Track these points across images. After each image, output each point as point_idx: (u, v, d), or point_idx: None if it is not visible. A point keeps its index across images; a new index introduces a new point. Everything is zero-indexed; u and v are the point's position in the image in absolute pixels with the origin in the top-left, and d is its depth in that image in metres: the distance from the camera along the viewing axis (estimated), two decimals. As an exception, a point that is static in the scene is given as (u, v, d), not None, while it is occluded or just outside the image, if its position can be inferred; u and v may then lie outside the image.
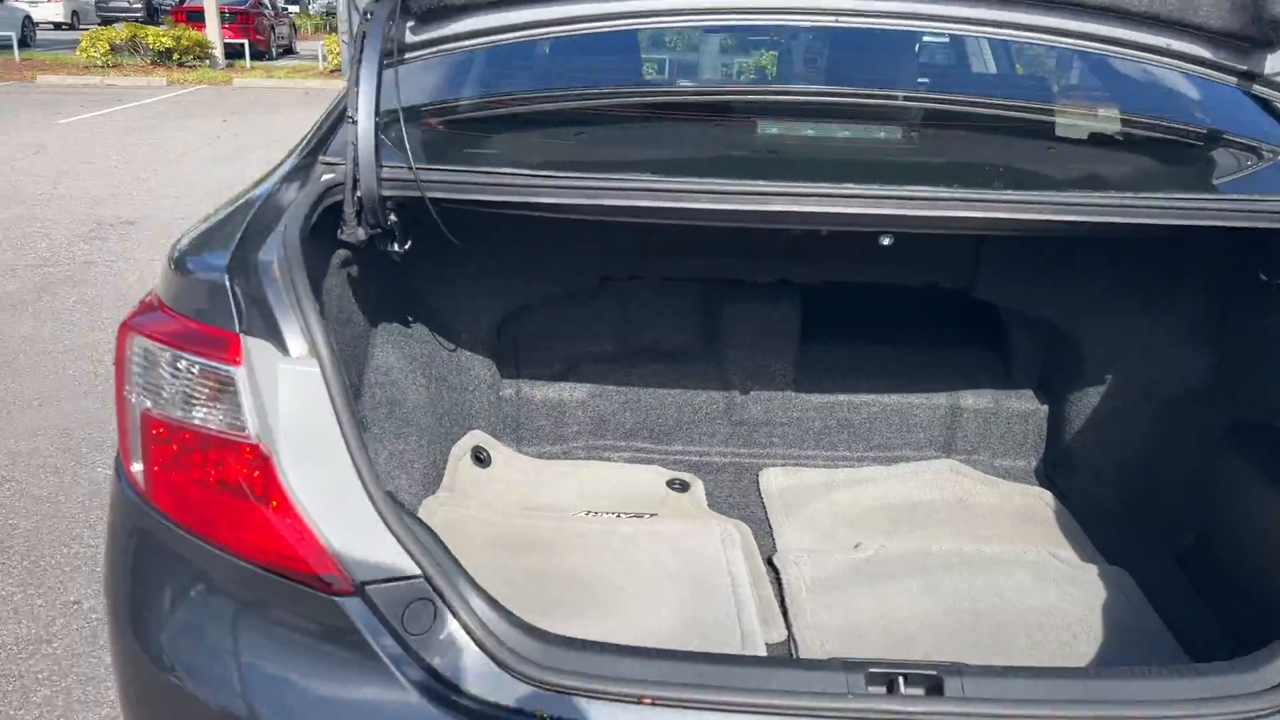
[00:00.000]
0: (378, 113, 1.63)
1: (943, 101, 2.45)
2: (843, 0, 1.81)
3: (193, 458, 1.37)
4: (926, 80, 2.88)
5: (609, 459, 2.65)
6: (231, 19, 21.74)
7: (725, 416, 2.65)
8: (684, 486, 2.51)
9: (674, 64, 2.79)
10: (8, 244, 7.00)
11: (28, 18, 23.53)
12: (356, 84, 1.64)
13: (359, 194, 1.66)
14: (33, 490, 3.68)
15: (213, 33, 20.52)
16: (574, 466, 2.59)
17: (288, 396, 1.37)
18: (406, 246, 1.85)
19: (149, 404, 1.40)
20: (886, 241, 1.80)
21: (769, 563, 2.20)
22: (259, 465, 1.35)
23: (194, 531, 1.39)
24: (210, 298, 1.41)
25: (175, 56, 19.48)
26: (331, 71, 19.73)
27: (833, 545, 2.26)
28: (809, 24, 1.90)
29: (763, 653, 1.86)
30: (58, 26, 30.69)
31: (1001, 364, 2.69)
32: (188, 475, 1.38)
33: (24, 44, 21.70)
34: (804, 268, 2.49)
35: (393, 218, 1.76)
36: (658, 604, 1.99)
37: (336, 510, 1.39)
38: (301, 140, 1.98)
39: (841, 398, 2.63)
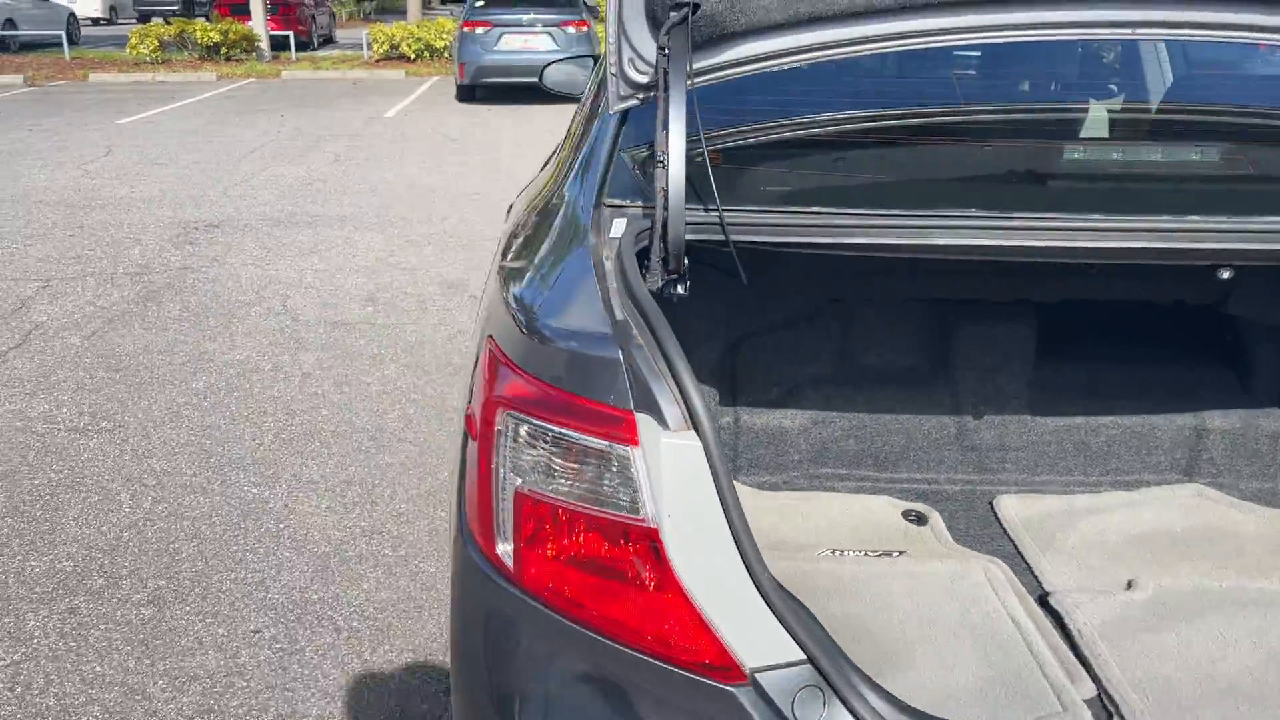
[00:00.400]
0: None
1: (1230, 114, 2.30)
2: (1143, 11, 1.67)
3: (575, 540, 1.27)
4: (1204, 90, 2.72)
5: (832, 488, 2.53)
6: (274, 10, 21.72)
7: (956, 442, 2.52)
8: (920, 519, 2.38)
9: (944, 83, 2.64)
10: (101, 250, 6.98)
11: (71, 15, 23.62)
12: (666, 126, 1.53)
13: (667, 240, 1.56)
14: (186, 512, 3.62)
15: (258, 25, 20.52)
16: (801, 498, 2.47)
17: (671, 472, 1.26)
18: (688, 287, 1.74)
19: (521, 482, 1.29)
20: (1226, 275, 1.67)
21: (1043, 603, 2.08)
22: (649, 548, 1.24)
23: (571, 617, 1.29)
24: (598, 372, 1.30)
25: (223, 51, 19.50)
26: (377, 61, 19.67)
27: (1103, 583, 2.13)
28: (1111, 38, 1.76)
29: (1085, 714, 1.74)
30: (95, 22, 30.88)
31: (1245, 380, 2.54)
32: (567, 558, 1.27)
33: (70, 41, 21.80)
34: (1047, 286, 2.36)
35: (685, 261, 1.66)
36: (949, 658, 1.88)
37: (722, 591, 1.28)
38: (564, 176, 1.88)
39: (1079, 420, 2.49)
